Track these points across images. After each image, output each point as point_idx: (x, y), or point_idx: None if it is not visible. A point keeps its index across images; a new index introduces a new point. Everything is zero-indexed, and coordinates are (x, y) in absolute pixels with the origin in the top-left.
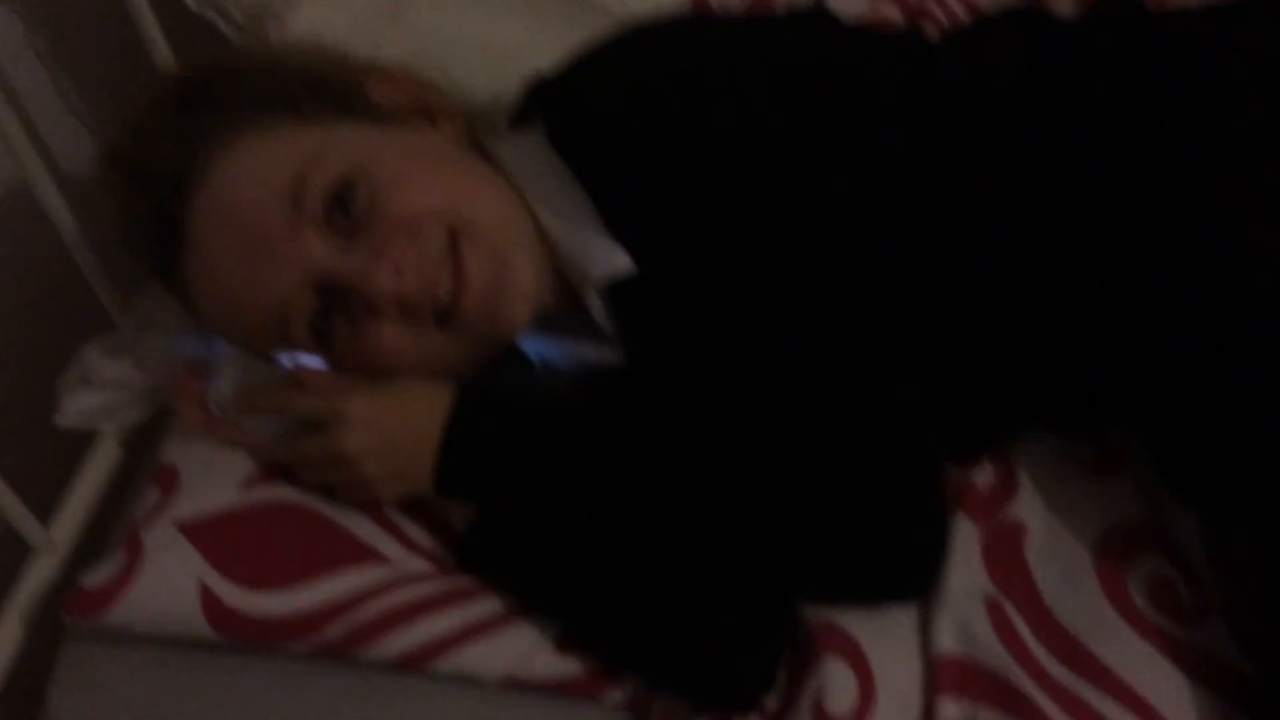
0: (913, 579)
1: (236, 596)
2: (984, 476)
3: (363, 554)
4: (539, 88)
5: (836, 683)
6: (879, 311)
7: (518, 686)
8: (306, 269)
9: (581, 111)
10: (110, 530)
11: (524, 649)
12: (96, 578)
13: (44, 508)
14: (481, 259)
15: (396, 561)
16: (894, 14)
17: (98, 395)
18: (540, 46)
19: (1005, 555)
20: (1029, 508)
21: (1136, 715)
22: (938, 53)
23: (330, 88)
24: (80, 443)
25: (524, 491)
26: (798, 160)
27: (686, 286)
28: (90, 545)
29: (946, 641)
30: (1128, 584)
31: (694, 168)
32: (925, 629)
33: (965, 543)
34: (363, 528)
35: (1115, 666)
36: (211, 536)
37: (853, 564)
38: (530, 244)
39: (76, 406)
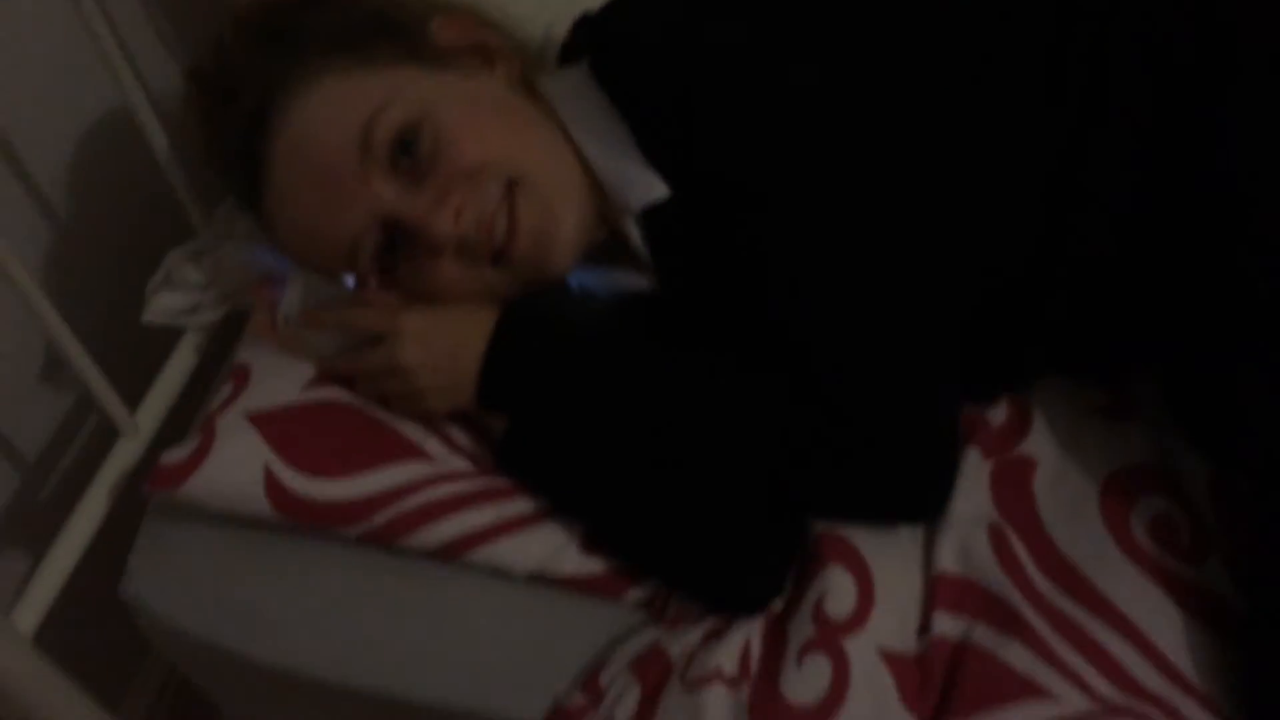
0: (919, 504)
1: (295, 481)
2: (999, 415)
3: (409, 451)
4: (585, 23)
5: (838, 589)
6: (903, 244)
7: (545, 581)
8: (374, 209)
9: (621, 45)
10: (190, 419)
11: (553, 547)
12: (173, 455)
13: (132, 396)
14: (532, 209)
15: (439, 459)
16: None
17: (180, 296)
18: None
19: (1012, 486)
20: (1040, 445)
21: (1129, 641)
22: None
23: (399, 28)
24: (167, 341)
25: (558, 408)
26: (829, 94)
27: (717, 213)
28: (173, 432)
29: (947, 561)
30: (1131, 520)
31: (729, 98)
32: (928, 548)
33: (974, 472)
34: (409, 428)
35: (1112, 596)
36: (276, 426)
37: (863, 487)
38: (577, 193)
39: (161, 306)
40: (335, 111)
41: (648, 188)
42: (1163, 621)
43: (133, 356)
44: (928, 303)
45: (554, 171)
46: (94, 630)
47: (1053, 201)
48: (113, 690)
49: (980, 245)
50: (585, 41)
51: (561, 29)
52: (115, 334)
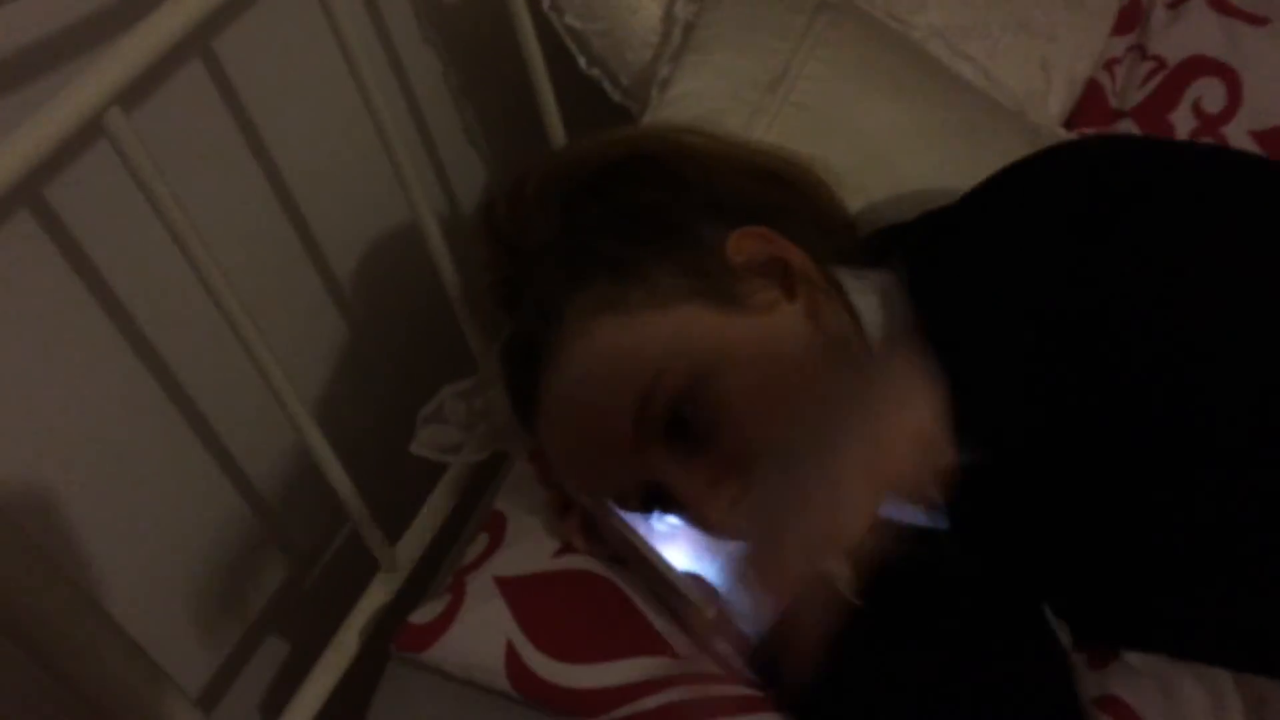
0: None
1: (535, 661)
2: None
3: (657, 644)
4: (897, 235)
5: None
6: None
7: None
8: (644, 475)
9: (954, 273)
10: (445, 557)
11: None
12: (422, 616)
13: (395, 514)
14: None
15: (688, 658)
16: None
17: (449, 432)
18: (918, 137)
19: None
20: None
21: None
22: None
23: (692, 240)
24: (433, 472)
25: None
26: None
27: (1092, 477)
28: (427, 567)
29: None
30: None
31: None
32: None
33: None
34: (659, 619)
35: None
36: (524, 596)
37: None
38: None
39: (429, 439)
40: (610, 371)
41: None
42: None
43: (398, 478)
44: None
45: None
46: None
47: None
48: None
49: None
50: (899, 254)
51: (877, 186)
52: (386, 453)
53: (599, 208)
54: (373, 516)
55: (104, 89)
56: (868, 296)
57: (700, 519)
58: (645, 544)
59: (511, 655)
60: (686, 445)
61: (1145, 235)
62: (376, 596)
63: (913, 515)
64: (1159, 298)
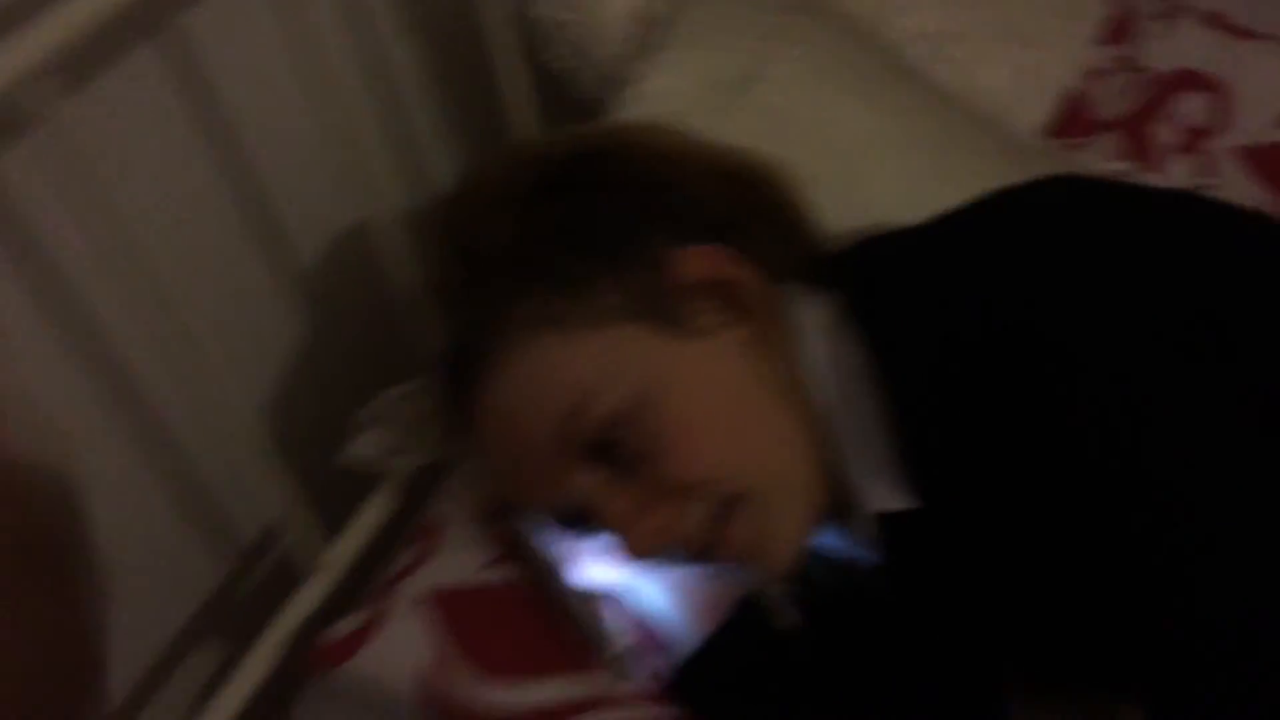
0: None
1: (455, 676)
2: None
3: (580, 663)
4: (860, 256)
5: None
6: None
7: None
8: (569, 497)
9: (908, 312)
10: (378, 563)
11: None
12: (340, 630)
13: (329, 531)
14: (748, 529)
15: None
16: None
17: (380, 440)
18: (888, 144)
19: None
20: None
21: None
22: None
23: (637, 266)
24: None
25: None
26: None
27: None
28: (361, 569)
29: None
30: None
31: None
32: None
33: None
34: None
35: None
36: (448, 609)
37: None
38: (806, 498)
39: (357, 449)
40: (540, 388)
41: (888, 497)
42: None
43: (329, 483)
44: None
45: (784, 478)
46: None
47: None
48: None
49: None
50: (854, 277)
51: (847, 197)
52: (331, 452)
53: (553, 214)
54: (312, 518)
55: (38, 59)
56: (815, 324)
57: (623, 544)
58: (557, 575)
59: (429, 671)
60: (614, 469)
61: (1102, 294)
62: (308, 597)
63: (844, 548)
64: (1111, 365)
